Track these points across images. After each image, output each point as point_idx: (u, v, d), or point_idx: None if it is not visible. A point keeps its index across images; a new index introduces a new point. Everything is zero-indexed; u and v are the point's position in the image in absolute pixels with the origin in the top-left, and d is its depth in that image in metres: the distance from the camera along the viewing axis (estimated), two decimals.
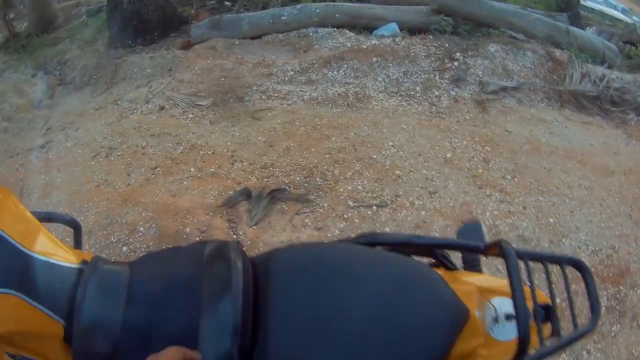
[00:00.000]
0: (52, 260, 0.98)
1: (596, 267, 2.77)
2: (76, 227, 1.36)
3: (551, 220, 3.03)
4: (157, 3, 5.42)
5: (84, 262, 1.05)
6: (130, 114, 4.19)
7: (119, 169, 3.64)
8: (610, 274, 2.81)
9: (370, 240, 1.15)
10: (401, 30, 5.19)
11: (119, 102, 4.43)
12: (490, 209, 3.04)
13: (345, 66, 4.64)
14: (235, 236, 2.98)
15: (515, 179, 3.35)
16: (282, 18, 5.09)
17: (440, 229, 2.90)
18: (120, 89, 4.70)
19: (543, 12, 5.65)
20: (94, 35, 5.95)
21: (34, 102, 5.11)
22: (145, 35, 5.33)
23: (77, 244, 1.36)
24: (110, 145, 3.88)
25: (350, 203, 3.10)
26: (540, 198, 3.19)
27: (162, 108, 4.16)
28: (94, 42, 5.80)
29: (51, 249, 1.00)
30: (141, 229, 3.08)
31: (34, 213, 1.08)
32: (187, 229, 3.00)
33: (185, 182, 3.41)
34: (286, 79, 4.43)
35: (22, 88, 5.44)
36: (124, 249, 2.98)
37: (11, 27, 7.05)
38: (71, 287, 0.98)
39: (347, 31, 5.16)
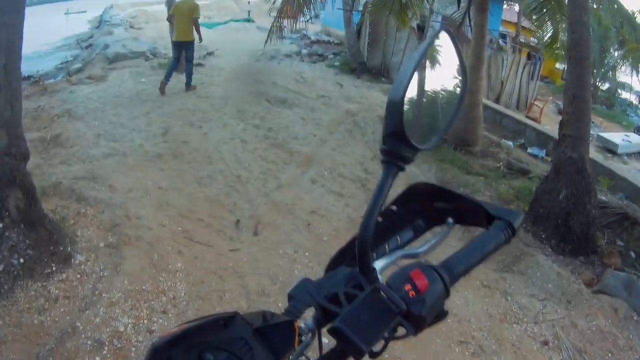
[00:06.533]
0: None
1: None
2: None
3: None
4: (587, 217, 5.34)
5: None
6: (515, 322, 4.17)
7: None
8: None
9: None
10: None
11: (509, 298, 4.47)
12: None
13: None
14: None
15: None
16: None
17: None
18: (514, 282, 4.74)
19: None
20: (511, 198, 6.24)
21: None
22: (559, 239, 5.34)
23: None
24: (481, 345, 3.87)
25: None
26: None
27: (545, 343, 4.02)
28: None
29: None
30: None
31: None
32: None
33: None
34: None
35: None
36: None
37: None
38: None
39: None
